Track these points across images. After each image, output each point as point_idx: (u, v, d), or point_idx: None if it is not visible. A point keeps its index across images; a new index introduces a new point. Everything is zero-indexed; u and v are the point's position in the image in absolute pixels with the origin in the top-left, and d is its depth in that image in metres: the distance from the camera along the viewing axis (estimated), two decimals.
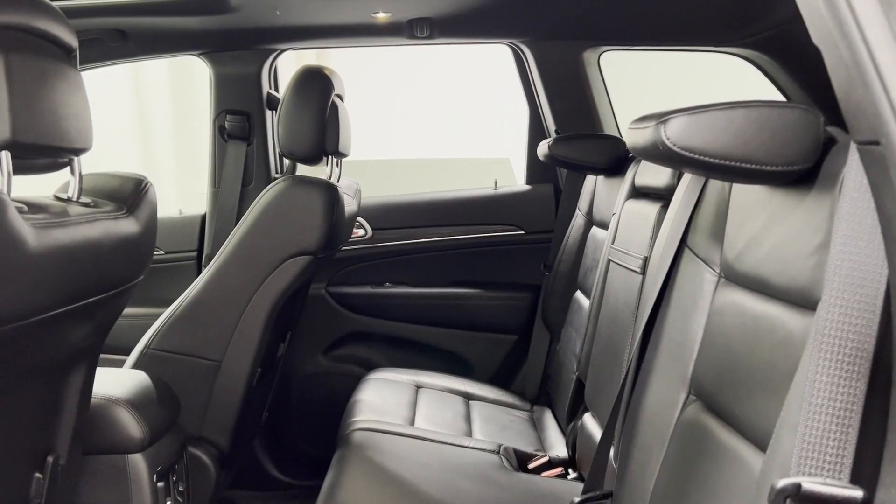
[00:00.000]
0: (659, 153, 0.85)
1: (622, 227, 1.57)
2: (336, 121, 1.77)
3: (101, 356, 2.38)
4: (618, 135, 2.24)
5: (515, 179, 2.60)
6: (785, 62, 2.19)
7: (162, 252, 2.44)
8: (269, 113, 2.32)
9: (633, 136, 0.93)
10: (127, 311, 2.44)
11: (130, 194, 1.16)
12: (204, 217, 2.42)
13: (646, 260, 1.32)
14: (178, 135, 3.64)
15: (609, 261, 1.61)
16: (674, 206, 1.24)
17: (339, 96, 1.86)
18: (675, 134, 0.81)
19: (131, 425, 1.35)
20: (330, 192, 1.66)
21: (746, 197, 1.02)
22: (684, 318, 1.13)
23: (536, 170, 2.46)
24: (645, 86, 2.53)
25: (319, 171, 1.87)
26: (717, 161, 0.81)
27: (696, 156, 0.81)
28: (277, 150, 2.32)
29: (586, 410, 1.71)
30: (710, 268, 1.08)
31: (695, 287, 1.12)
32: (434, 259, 2.46)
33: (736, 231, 1.03)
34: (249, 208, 1.66)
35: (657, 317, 1.20)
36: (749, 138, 0.81)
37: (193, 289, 1.66)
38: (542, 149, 2.00)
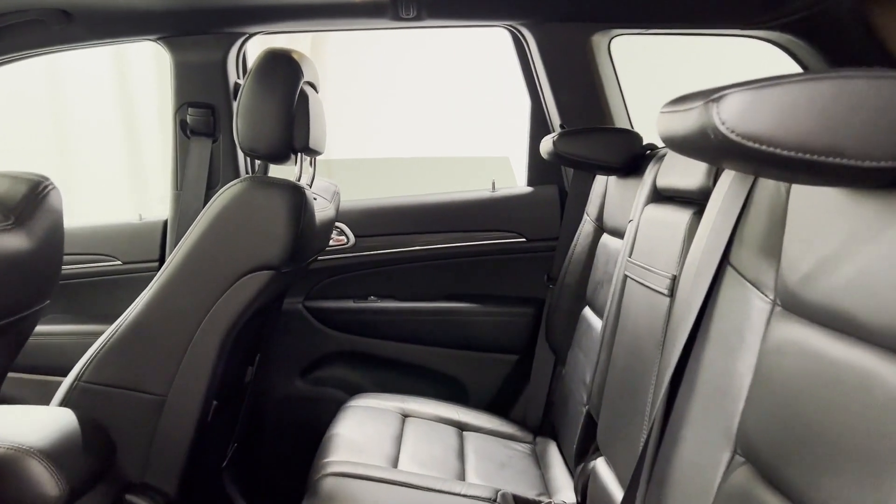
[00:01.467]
0: (709, 144, 0.63)
1: (642, 238, 1.35)
2: (306, 113, 1.55)
3: (48, 380, 2.17)
4: (631, 129, 2.02)
5: (515, 180, 2.38)
6: (821, 46, 1.97)
7: (119, 262, 2.23)
8: (236, 106, 2.09)
9: (669, 123, 0.71)
10: (77, 328, 2.26)
11: (21, 201, 0.93)
12: (166, 223, 2.21)
13: (674, 279, 1.10)
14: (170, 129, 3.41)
15: (626, 276, 1.38)
16: (710, 212, 1.02)
17: (311, 84, 1.64)
18: (733, 116, 0.59)
19: (45, 480, 1.12)
20: (295, 195, 1.44)
21: (812, 202, 0.80)
22: (727, 355, 0.91)
23: (539, 170, 2.24)
24: (649, 74, 2.31)
25: (293, 172, 1.65)
26: (792, 154, 0.59)
27: (764, 147, 0.59)
28: None
29: (598, 451, 1.48)
30: (762, 293, 0.86)
31: (741, 317, 0.90)
32: (424, 270, 2.25)
33: (799, 247, 0.81)
34: (200, 214, 1.44)
35: (691, 352, 0.98)
36: (838, 122, 0.59)
37: (132, 311, 1.44)
38: (546, 145, 1.78)
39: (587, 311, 1.88)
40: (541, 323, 2.16)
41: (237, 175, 2.15)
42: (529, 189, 2.25)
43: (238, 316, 1.46)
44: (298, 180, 1.60)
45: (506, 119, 2.61)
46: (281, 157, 1.54)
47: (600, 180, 1.96)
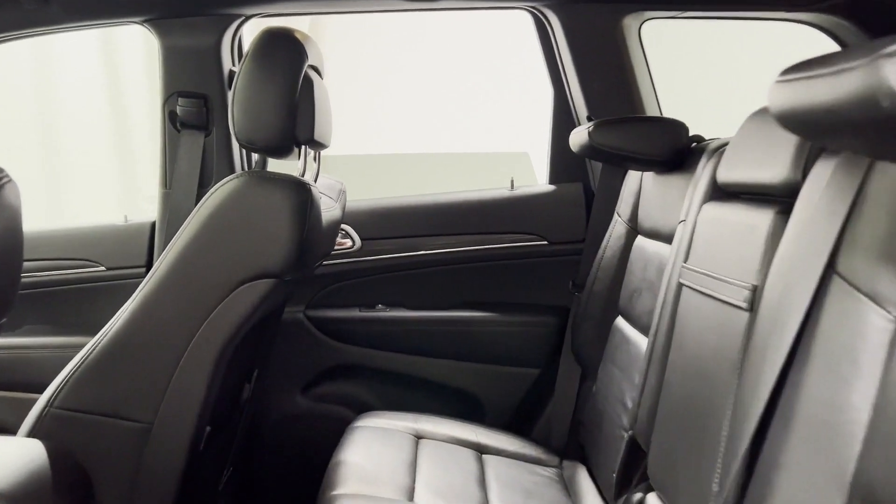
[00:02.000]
0: (877, 116, 0.47)
1: (701, 241, 1.18)
2: (311, 100, 1.39)
3: (25, 398, 2.00)
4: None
5: (536, 178, 2.23)
6: (868, 28, 1.82)
7: (103, 268, 2.06)
8: (231, 94, 1.92)
9: (800, 93, 0.55)
10: (57, 341, 2.08)
11: None
12: (153, 225, 2.04)
13: (755, 291, 0.94)
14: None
15: (681, 285, 1.22)
16: (804, 211, 0.86)
17: (315, 69, 1.48)
18: None
19: None
20: (301, 192, 1.28)
21: None
22: (838, 384, 0.75)
23: (562, 166, 2.08)
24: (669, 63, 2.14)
25: (294, 168, 1.49)
26: None
27: None
28: None
29: (646, 481, 1.32)
30: (883, 308, 0.71)
31: (854, 337, 0.74)
32: (437, 276, 2.09)
33: None
34: (191, 214, 1.28)
35: (787, 378, 0.82)
36: None
37: (112, 326, 1.27)
38: (579, 137, 1.62)
39: (621, 322, 1.72)
40: (565, 334, 2.01)
41: (232, 172, 1.98)
42: (551, 187, 2.09)
43: (235, 331, 1.29)
44: (302, 176, 1.44)
45: (525, 111, 2.45)
46: (282, 151, 1.38)
47: (633, 177, 1.80)
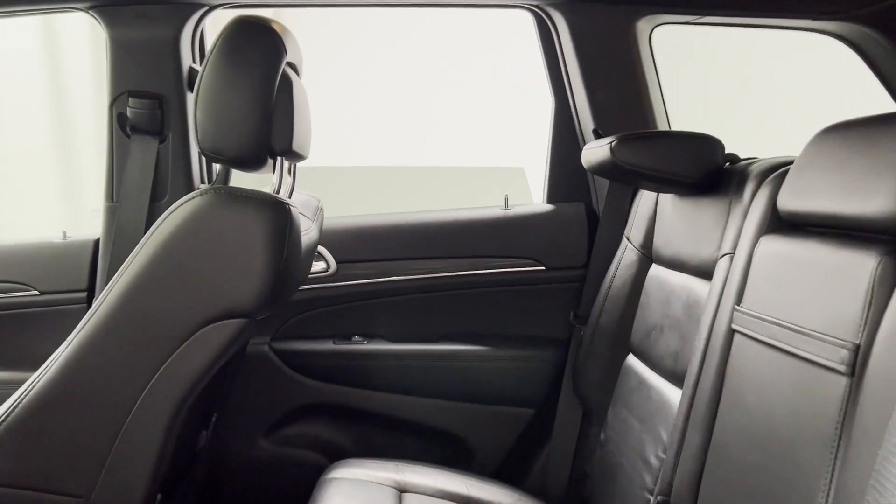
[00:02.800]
0: None
1: (761, 281, 1.02)
2: (289, 104, 1.20)
3: None
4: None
5: (531, 196, 2.06)
6: None
7: (35, 292, 1.83)
8: (191, 96, 1.72)
9: None
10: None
11: None
12: (97, 243, 1.81)
13: (858, 351, 0.77)
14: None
15: (733, 331, 1.05)
16: None
17: (293, 67, 1.29)
18: None
19: None
20: (279, 213, 1.09)
21: None
22: None
23: (562, 183, 1.92)
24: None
25: (264, 183, 1.29)
26: None
27: None
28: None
29: None
30: None
31: None
32: (421, 304, 1.90)
33: None
34: (143, 239, 1.07)
35: None
36: None
37: (42, 376, 1.05)
38: (596, 153, 1.45)
39: (634, 363, 1.55)
40: (565, 371, 1.84)
41: (190, 184, 1.76)
42: (550, 207, 1.92)
43: (195, 381, 1.08)
44: (277, 192, 1.24)
45: (520, 122, 2.28)
46: (255, 162, 1.18)
47: (647, 198, 1.64)
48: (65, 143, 2.91)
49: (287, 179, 1.32)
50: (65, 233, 1.88)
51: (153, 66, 1.69)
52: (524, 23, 1.84)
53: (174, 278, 1.04)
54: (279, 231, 1.08)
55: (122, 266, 1.07)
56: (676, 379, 1.32)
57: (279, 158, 1.25)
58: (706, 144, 1.32)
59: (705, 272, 1.29)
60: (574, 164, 1.89)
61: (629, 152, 1.34)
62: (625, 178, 1.49)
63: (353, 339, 1.90)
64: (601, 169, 1.45)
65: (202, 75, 1.14)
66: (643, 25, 1.74)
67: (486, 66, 2.56)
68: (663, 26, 1.80)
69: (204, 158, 1.81)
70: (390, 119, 2.67)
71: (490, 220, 1.91)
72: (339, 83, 2.58)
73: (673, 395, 1.31)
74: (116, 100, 1.70)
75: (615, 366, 1.62)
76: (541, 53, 1.85)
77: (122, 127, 1.71)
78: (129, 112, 1.69)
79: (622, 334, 1.62)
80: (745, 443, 0.97)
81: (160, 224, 1.06)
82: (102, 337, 1.06)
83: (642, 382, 1.47)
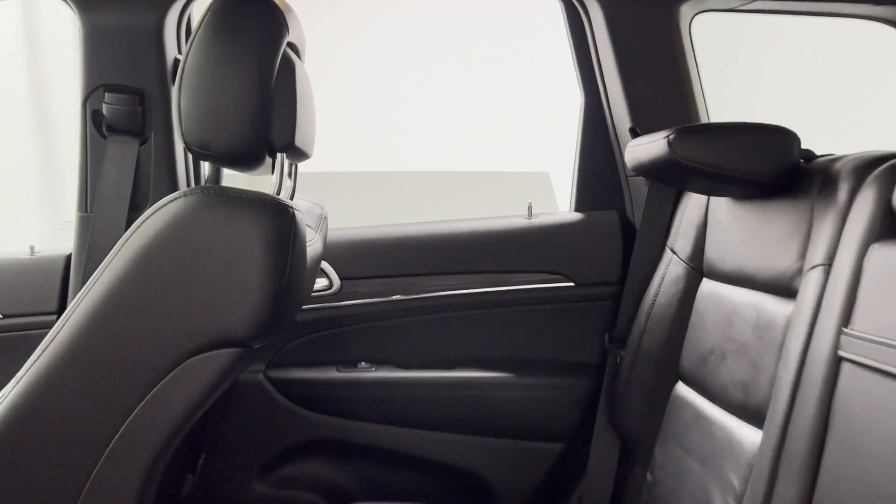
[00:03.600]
0: None
1: (877, 298, 0.85)
2: (291, 92, 1.04)
3: None
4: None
5: (557, 204, 1.89)
6: None
7: (0, 316, 1.64)
8: (177, 83, 1.55)
9: None
10: None
11: None
12: (69, 259, 1.63)
13: None
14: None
15: (840, 359, 0.88)
16: None
17: (295, 49, 1.13)
18: None
19: None
20: (282, 218, 0.92)
21: None
22: None
23: (592, 189, 1.76)
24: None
25: (259, 187, 1.12)
26: None
27: None
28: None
29: None
30: None
31: None
32: (436, 326, 1.73)
33: None
34: (114, 248, 0.89)
35: None
36: None
37: None
38: (648, 150, 1.28)
39: (687, 393, 1.38)
40: (599, 400, 1.66)
41: (176, 190, 1.58)
42: (578, 215, 1.76)
43: (177, 424, 0.90)
44: (277, 195, 1.07)
45: (544, 122, 2.11)
46: (251, 160, 1.01)
47: (694, 203, 1.48)
48: (45, 144, 2.73)
49: (287, 182, 1.14)
50: (32, 248, 1.71)
51: (133, 57, 1.52)
52: (547, 14, 1.68)
53: (151, 298, 0.87)
54: (281, 240, 0.90)
55: (88, 283, 0.89)
56: (749, 415, 1.14)
57: (279, 156, 1.08)
58: (781, 137, 1.15)
59: (783, 288, 1.12)
60: (606, 167, 1.74)
61: (691, 147, 1.17)
62: (680, 178, 1.31)
63: (359, 365, 1.73)
64: (651, 168, 1.28)
65: (187, 54, 0.97)
66: (685, 11, 1.58)
67: (505, 62, 2.39)
68: (704, 14, 1.64)
69: (192, 161, 1.64)
70: (400, 120, 2.49)
71: (512, 231, 1.75)
72: (343, 81, 2.41)
73: (746, 434, 1.13)
74: (91, 95, 1.52)
75: (662, 395, 1.45)
76: (569, 45, 1.69)
77: (97, 126, 1.54)
78: (105, 109, 1.52)
79: (669, 359, 1.45)
80: (865, 499, 0.80)
81: (134, 231, 0.88)
82: (63, 370, 0.88)
83: (700, 417, 1.29)
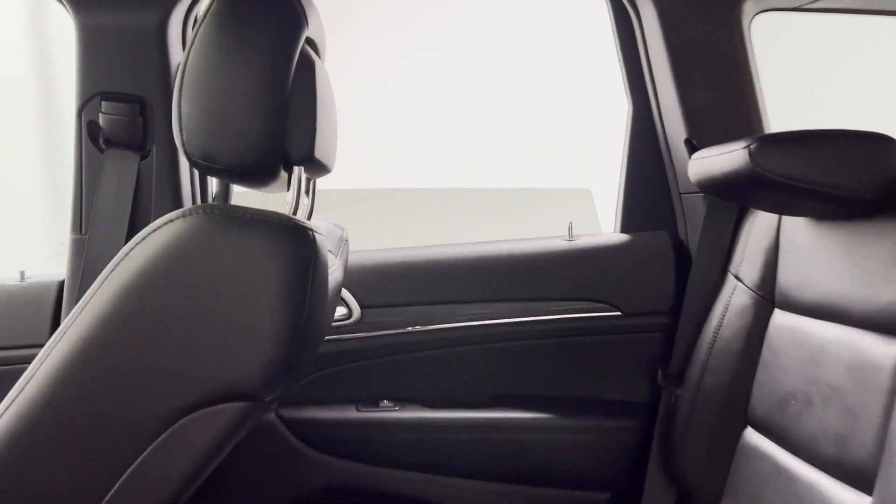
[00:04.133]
0: None
1: None
2: (310, 93, 0.91)
3: None
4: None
5: (599, 224, 1.75)
6: None
7: None
8: (179, 82, 1.44)
9: None
10: None
11: None
12: (62, 286, 1.50)
13: None
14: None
15: None
16: None
17: (314, 46, 1.00)
18: None
19: None
20: (300, 243, 0.78)
21: None
22: None
23: (641, 207, 1.62)
24: None
25: (273, 204, 0.99)
26: None
27: None
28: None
29: None
30: None
31: None
32: (466, 360, 1.59)
33: None
34: (99, 277, 0.75)
35: None
36: None
37: None
38: (719, 163, 1.14)
39: (757, 440, 1.24)
40: (651, 445, 1.51)
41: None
42: (625, 237, 1.61)
43: (174, 491, 0.75)
44: (294, 212, 0.93)
45: (586, 134, 1.97)
46: (263, 173, 0.88)
47: (762, 224, 1.33)
48: (51, 157, 2.61)
49: (304, 200, 1.01)
50: (23, 273, 1.57)
51: (133, 62, 1.39)
52: (590, 15, 1.55)
53: (140, 342, 0.73)
54: (300, 269, 0.76)
55: (68, 318, 0.75)
56: (848, 475, 0.98)
57: (296, 170, 0.94)
58: (885, 147, 1.00)
59: (887, 324, 0.97)
60: (655, 182, 1.60)
61: (776, 158, 1.02)
62: (756, 194, 1.16)
63: (382, 404, 1.58)
64: (723, 183, 1.14)
65: (189, 51, 0.85)
66: (747, 10, 1.44)
67: (541, 68, 2.25)
68: (766, 14, 1.50)
69: (199, 177, 1.51)
70: (424, 132, 2.35)
71: (551, 255, 1.60)
72: (360, 87, 2.28)
73: (843, 497, 0.97)
74: (86, 104, 1.40)
75: (727, 443, 1.30)
76: (616, 48, 1.55)
77: (92, 138, 1.41)
78: (102, 120, 1.39)
79: (736, 401, 1.29)
80: None
81: (121, 260, 0.75)
82: (39, 426, 0.74)
83: (780, 472, 1.14)
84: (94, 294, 0.74)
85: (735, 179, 1.09)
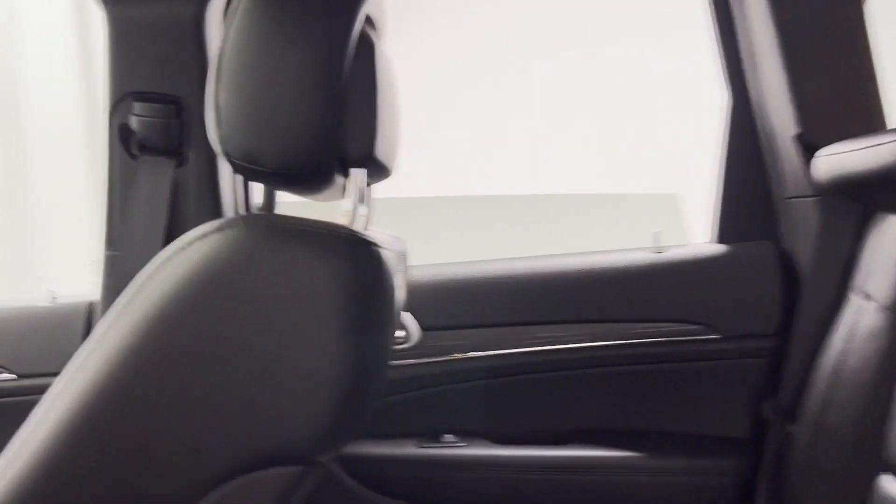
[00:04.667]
0: None
1: None
2: (369, 85, 0.79)
3: None
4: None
5: (689, 233, 1.59)
6: None
7: (12, 376, 1.44)
8: (216, 72, 1.34)
9: None
10: None
11: None
12: (91, 308, 1.40)
13: None
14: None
15: None
16: None
17: (372, 23, 0.88)
18: None
19: None
20: (367, 262, 0.65)
21: None
22: None
23: (741, 213, 1.47)
24: None
25: (325, 212, 0.85)
26: None
27: None
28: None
29: None
30: None
31: None
32: (540, 389, 1.45)
33: None
34: (117, 304, 0.63)
35: None
36: None
37: None
38: (864, 158, 0.97)
39: (893, 487, 1.05)
40: (758, 487, 1.33)
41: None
42: (722, 248, 1.45)
43: None
44: (352, 223, 0.80)
45: (672, 130, 1.81)
46: (317, 178, 0.76)
47: (891, 232, 1.15)
48: (95, 162, 2.57)
49: (361, 210, 0.87)
50: (53, 294, 1.48)
51: (168, 58, 1.29)
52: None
53: (165, 390, 0.59)
54: (366, 293, 0.62)
55: (78, 354, 0.63)
56: None
57: (354, 173, 0.81)
58: None
59: None
60: (758, 185, 1.43)
61: None
62: None
63: (444, 438, 1.45)
64: (865, 183, 0.97)
65: (227, 36, 0.72)
66: None
67: (621, 58, 2.10)
68: None
69: (242, 186, 1.40)
70: (492, 133, 2.22)
71: (636, 269, 1.45)
72: (431, 83, 2.15)
73: None
74: (117, 105, 1.29)
75: (858, 491, 1.12)
76: (712, 32, 1.40)
77: (124, 144, 1.31)
78: (134, 122, 1.29)
79: (869, 442, 1.12)
80: None
81: (146, 281, 0.61)
82: (38, 489, 0.61)
83: None
84: (107, 328, 0.60)
85: (887, 177, 0.92)
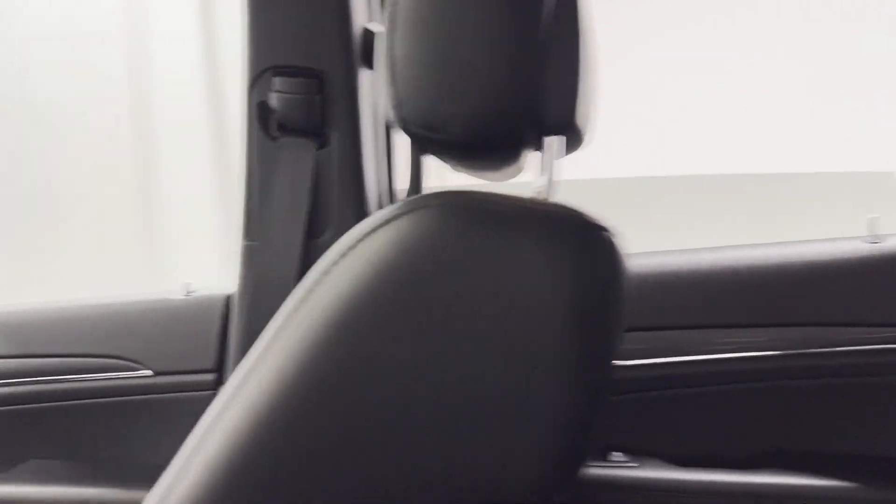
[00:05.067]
0: None
1: None
2: (571, 41, 0.66)
3: None
4: None
5: None
6: None
7: (148, 372, 1.38)
8: (365, 72, 1.23)
9: None
10: (71, 493, 1.45)
11: None
12: (228, 301, 1.35)
13: None
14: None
15: None
16: None
17: None
18: None
19: None
20: (597, 249, 0.49)
21: None
22: None
23: None
24: None
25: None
26: None
27: None
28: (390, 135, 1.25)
29: None
30: None
31: None
32: (724, 403, 1.29)
33: None
34: (286, 305, 0.51)
35: None
36: None
37: None
38: None
39: None
40: None
41: (363, 212, 1.26)
42: None
43: None
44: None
45: (887, 98, 1.59)
46: (509, 148, 0.64)
47: None
48: (223, 155, 2.59)
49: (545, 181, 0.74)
50: (188, 286, 1.44)
51: (310, 29, 1.21)
52: None
53: (351, 413, 0.46)
54: (601, 288, 0.48)
55: (244, 363, 0.52)
56: None
57: (548, 142, 0.67)
58: None
59: None
60: None
61: None
62: None
63: (612, 457, 1.30)
64: None
65: None
66: None
67: (811, 19, 1.87)
68: None
69: (391, 166, 1.30)
70: (675, 105, 2.02)
71: (845, 262, 1.27)
72: (625, 51, 1.98)
73: None
74: (256, 81, 1.21)
75: None
76: None
77: (263, 124, 1.23)
78: (274, 100, 1.21)
79: None
80: None
81: (321, 277, 0.50)
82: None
83: None
84: (281, 326, 0.49)
85: None
